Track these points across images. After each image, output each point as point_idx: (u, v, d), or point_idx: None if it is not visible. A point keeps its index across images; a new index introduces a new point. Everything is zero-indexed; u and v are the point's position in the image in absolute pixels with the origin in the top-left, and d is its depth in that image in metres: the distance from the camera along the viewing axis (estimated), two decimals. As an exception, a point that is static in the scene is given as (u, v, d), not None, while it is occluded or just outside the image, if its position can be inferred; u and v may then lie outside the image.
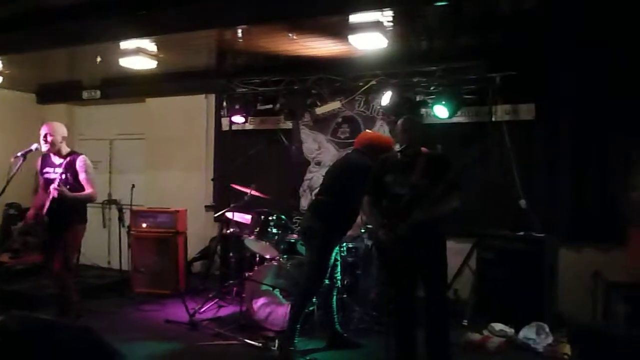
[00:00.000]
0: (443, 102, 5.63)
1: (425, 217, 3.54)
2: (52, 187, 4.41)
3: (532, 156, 5.65)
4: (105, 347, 2.36)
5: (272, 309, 4.91)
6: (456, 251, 5.31)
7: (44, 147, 4.68)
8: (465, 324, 5.09)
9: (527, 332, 4.65)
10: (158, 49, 5.94)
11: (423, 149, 3.78)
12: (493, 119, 5.71)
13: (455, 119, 5.85)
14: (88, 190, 4.65)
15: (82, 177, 4.64)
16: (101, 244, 7.96)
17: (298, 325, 4.36)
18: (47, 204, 4.53)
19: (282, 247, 5.25)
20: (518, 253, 5.05)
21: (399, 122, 3.86)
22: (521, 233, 5.27)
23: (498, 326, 4.82)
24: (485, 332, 4.82)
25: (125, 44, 5.66)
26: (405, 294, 3.72)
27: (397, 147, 3.88)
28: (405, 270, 3.67)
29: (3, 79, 7.24)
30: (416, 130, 3.79)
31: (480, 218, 5.56)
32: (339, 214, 4.37)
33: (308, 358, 4.31)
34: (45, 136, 4.64)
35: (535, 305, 4.88)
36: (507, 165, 5.63)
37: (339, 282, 4.68)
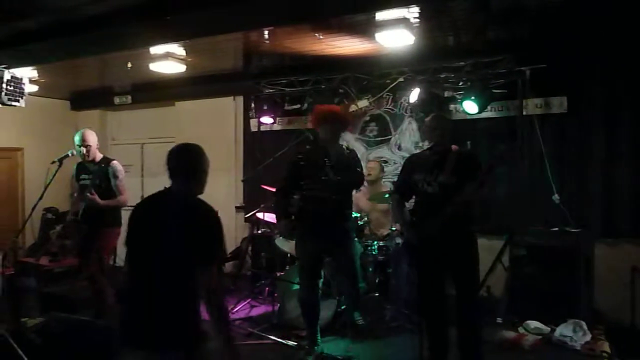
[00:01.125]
0: (472, 98, 5.54)
1: (453, 209, 3.48)
2: (87, 194, 4.56)
3: (565, 150, 5.54)
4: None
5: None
6: (488, 248, 5.23)
7: (79, 154, 4.83)
8: (500, 321, 5.01)
9: (564, 330, 4.56)
10: (187, 53, 6.02)
11: (453, 146, 3.75)
12: (524, 113, 5.62)
13: (484, 114, 5.79)
14: (120, 196, 4.79)
15: (113, 183, 4.79)
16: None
17: (316, 327, 4.31)
18: (81, 209, 4.66)
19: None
20: (552, 249, 4.96)
21: (427, 119, 3.83)
22: (555, 228, 5.19)
23: (533, 324, 4.75)
24: (520, 330, 4.76)
25: (154, 49, 5.75)
26: (436, 292, 3.69)
27: (426, 145, 3.85)
28: (436, 269, 3.65)
29: (39, 87, 7.45)
30: (445, 127, 3.76)
31: (512, 214, 5.49)
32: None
33: (340, 357, 4.30)
34: (80, 143, 4.79)
35: (570, 302, 4.78)
36: (539, 160, 5.55)
37: (360, 280, 4.44)
